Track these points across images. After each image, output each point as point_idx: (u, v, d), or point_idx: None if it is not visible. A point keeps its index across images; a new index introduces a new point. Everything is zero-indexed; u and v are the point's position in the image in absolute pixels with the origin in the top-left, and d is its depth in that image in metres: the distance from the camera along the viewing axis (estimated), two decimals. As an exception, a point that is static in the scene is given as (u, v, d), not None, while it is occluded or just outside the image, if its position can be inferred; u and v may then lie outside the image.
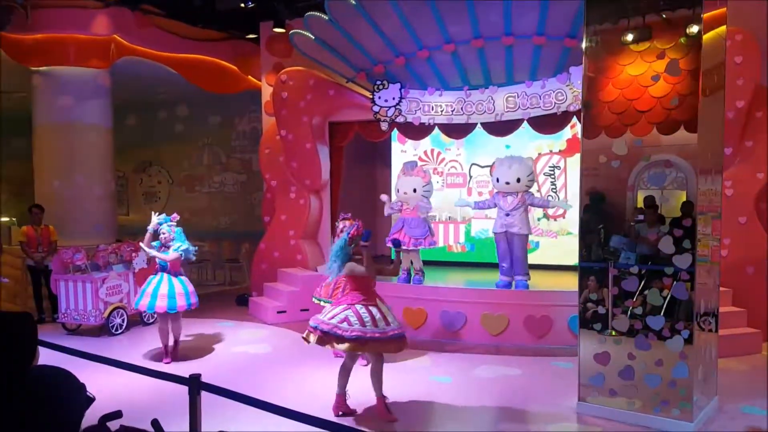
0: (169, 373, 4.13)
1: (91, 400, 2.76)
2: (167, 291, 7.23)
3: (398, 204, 8.82)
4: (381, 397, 5.41)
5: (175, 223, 7.40)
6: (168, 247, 7.26)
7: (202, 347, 7.95)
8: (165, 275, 7.31)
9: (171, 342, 7.44)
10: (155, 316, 9.22)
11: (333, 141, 10.81)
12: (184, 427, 3.73)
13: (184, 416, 3.70)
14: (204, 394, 3.72)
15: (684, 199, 5.02)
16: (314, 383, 6.40)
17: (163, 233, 7.24)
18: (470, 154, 11.19)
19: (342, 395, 5.50)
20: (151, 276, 7.45)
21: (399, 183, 8.92)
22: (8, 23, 10.14)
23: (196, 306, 7.53)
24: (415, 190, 8.68)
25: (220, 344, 8.12)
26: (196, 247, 7.64)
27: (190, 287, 7.50)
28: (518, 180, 8.16)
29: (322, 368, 6.89)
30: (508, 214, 8.16)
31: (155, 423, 2.77)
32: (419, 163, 9.35)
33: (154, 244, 7.30)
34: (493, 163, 8.81)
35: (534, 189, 9.00)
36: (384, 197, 8.99)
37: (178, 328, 7.47)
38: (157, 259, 7.32)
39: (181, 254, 7.23)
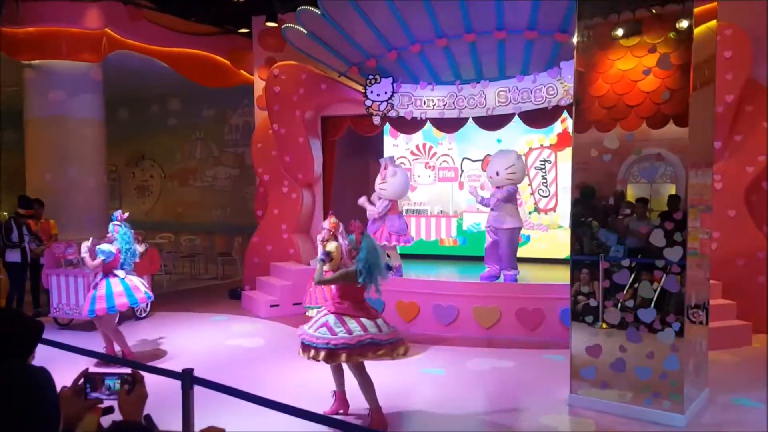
0: (161, 368, 4.13)
1: None
2: (123, 289, 6.80)
3: (386, 203, 8.74)
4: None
5: (120, 223, 6.95)
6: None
7: (194, 341, 7.95)
8: (110, 275, 6.84)
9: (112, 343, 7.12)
10: (147, 310, 9.26)
11: (325, 135, 10.82)
12: (177, 422, 3.73)
13: (177, 411, 3.71)
14: (197, 388, 3.72)
15: (673, 192, 5.06)
16: (307, 377, 6.41)
17: (108, 233, 6.82)
18: (462, 148, 11.20)
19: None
20: (98, 279, 6.94)
21: (388, 184, 8.71)
22: (-1, 17, 10.08)
23: (152, 299, 7.30)
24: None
25: (213, 338, 8.12)
26: (138, 250, 7.13)
27: (135, 283, 7.00)
28: (497, 173, 8.14)
29: (315, 362, 6.91)
30: (493, 209, 8.18)
31: (148, 418, 2.76)
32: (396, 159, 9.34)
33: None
34: (485, 157, 8.82)
35: (524, 182, 8.99)
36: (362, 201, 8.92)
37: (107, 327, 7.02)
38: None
39: (103, 259, 6.68)
